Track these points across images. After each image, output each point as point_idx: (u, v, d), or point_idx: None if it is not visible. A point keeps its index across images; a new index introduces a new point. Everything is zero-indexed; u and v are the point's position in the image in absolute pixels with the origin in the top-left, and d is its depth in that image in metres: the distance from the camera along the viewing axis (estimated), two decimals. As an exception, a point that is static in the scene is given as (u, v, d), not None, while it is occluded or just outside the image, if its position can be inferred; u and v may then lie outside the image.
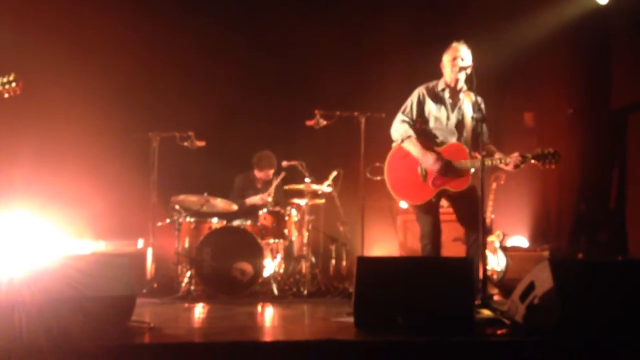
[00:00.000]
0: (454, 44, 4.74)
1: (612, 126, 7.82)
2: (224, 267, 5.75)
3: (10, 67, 4.72)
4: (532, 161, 4.45)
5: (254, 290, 5.90)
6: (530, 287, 3.59)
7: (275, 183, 6.55)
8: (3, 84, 4.64)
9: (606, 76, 7.79)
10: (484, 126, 4.62)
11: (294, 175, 6.56)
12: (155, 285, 6.01)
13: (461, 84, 4.75)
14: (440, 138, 4.76)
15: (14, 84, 4.64)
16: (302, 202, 6.45)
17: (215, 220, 6.19)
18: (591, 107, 7.85)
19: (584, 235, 7.53)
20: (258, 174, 6.94)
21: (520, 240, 7.41)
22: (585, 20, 7.41)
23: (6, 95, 4.67)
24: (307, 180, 6.30)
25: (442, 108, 4.78)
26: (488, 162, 4.52)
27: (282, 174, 6.53)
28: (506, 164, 4.50)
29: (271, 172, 6.86)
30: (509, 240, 6.94)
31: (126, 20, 7.01)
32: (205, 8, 7.51)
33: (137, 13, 7.01)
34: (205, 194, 6.15)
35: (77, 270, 3.51)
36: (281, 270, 6.27)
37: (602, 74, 7.81)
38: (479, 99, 4.64)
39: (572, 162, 7.69)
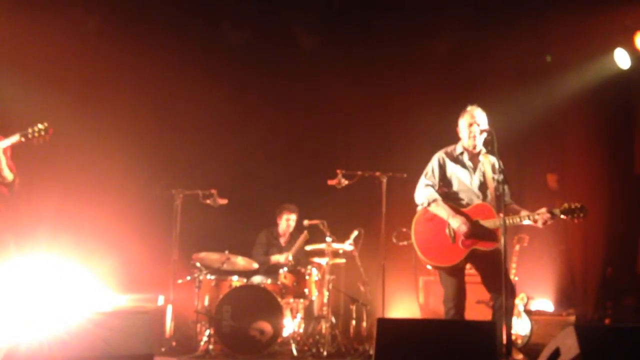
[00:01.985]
0: (469, 108, 4.78)
1: (636, 190, 7.75)
2: (243, 326, 5.69)
3: (36, 120, 4.86)
4: (562, 217, 4.41)
5: (273, 350, 5.82)
6: (556, 353, 3.50)
7: (299, 242, 6.56)
8: (34, 132, 4.78)
9: (629, 139, 7.78)
10: (506, 187, 4.61)
11: (315, 235, 6.56)
12: (174, 343, 5.96)
13: (479, 147, 4.78)
14: (465, 200, 4.75)
15: (43, 132, 4.77)
16: (323, 261, 6.42)
17: (235, 278, 6.17)
18: (615, 170, 7.81)
19: (611, 300, 7.36)
20: (280, 222, 6.98)
21: (545, 304, 7.25)
22: (607, 83, 7.46)
23: (35, 143, 4.79)
24: (328, 239, 6.29)
25: (464, 170, 4.79)
26: (516, 219, 4.50)
27: (305, 233, 6.54)
28: (534, 221, 4.47)
29: (292, 217, 6.89)
30: (533, 304, 6.80)
31: (153, 77, 7.21)
32: (231, 65, 7.70)
33: (163, 70, 7.20)
34: (226, 252, 6.16)
35: (98, 329, 3.52)
36: (301, 330, 6.19)
37: (625, 137, 7.81)
38: (497, 162, 4.66)
39: (597, 225, 7.59)
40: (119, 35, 7.12)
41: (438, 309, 6.05)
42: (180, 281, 6.16)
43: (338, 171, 5.93)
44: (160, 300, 6.23)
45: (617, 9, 6.75)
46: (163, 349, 5.74)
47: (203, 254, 6.16)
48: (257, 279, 6.48)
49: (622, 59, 7.23)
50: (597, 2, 6.74)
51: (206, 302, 6.03)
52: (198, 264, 6.11)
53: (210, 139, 7.54)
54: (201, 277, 6.06)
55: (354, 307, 6.81)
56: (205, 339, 5.73)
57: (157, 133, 7.38)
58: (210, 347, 5.68)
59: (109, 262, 6.46)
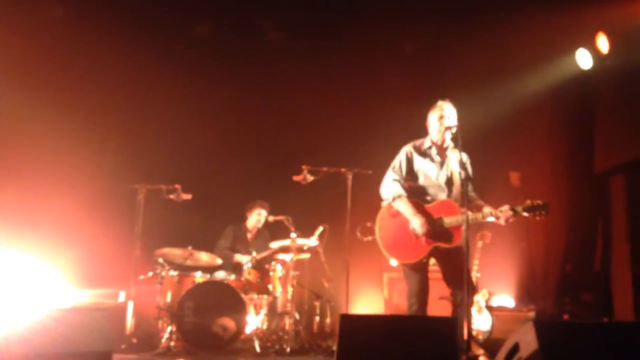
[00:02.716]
0: (440, 103, 4.81)
1: (596, 189, 7.92)
2: (205, 323, 5.64)
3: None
4: (524, 214, 4.46)
5: (236, 347, 5.78)
6: (515, 348, 3.53)
7: (267, 252, 6.51)
8: None
9: (590, 139, 7.94)
10: (471, 183, 4.65)
11: (280, 230, 6.54)
12: (134, 340, 5.87)
13: (447, 142, 4.80)
14: (431, 195, 4.77)
15: None
16: (287, 257, 6.40)
17: (198, 274, 6.12)
18: (576, 169, 7.96)
19: (569, 296, 7.51)
20: (250, 217, 6.96)
21: (506, 300, 7.36)
22: (569, 83, 7.59)
23: None
24: (292, 235, 6.27)
25: (431, 165, 4.81)
26: (479, 216, 4.53)
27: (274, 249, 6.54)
28: (497, 218, 4.51)
29: (263, 213, 6.88)
30: (494, 300, 6.90)
31: (117, 70, 7.09)
32: (197, 59, 7.62)
33: (127, 64, 7.08)
34: (190, 248, 6.10)
35: (57, 325, 3.45)
36: (264, 327, 6.16)
37: (586, 136, 7.97)
38: (465, 156, 4.70)
39: (557, 222, 7.75)
40: (84, 27, 6.98)
41: (402, 305, 6.10)
42: (142, 277, 6.06)
43: (303, 167, 5.90)
44: (121, 297, 6.14)
45: (580, 10, 6.86)
46: (123, 346, 5.65)
47: (166, 250, 6.09)
48: (220, 275, 6.43)
49: (584, 59, 7.36)
50: (561, 3, 6.85)
51: (168, 299, 5.96)
52: (160, 260, 6.04)
53: (175, 133, 7.45)
54: (163, 273, 5.98)
55: (318, 303, 6.82)
56: (166, 335, 5.67)
57: (120, 127, 7.26)
58: (172, 344, 5.62)
59: (70, 257, 6.37)
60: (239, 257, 6.66)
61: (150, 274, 6.04)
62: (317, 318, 6.84)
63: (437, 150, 4.84)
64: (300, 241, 6.30)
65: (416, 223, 4.58)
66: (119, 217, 6.68)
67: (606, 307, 7.35)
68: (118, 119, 7.22)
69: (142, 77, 7.22)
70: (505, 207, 4.50)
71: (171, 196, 6.24)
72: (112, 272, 6.46)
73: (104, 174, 6.87)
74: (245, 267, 6.23)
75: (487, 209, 4.60)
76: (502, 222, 4.51)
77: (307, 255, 6.64)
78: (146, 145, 7.28)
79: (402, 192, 4.72)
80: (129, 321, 5.99)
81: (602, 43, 7.07)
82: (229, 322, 5.68)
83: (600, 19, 7.00)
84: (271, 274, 6.23)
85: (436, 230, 4.57)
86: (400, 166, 4.82)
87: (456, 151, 4.72)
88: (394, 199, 4.73)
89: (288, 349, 5.84)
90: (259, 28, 7.92)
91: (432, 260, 4.88)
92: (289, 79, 7.70)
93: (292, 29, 7.96)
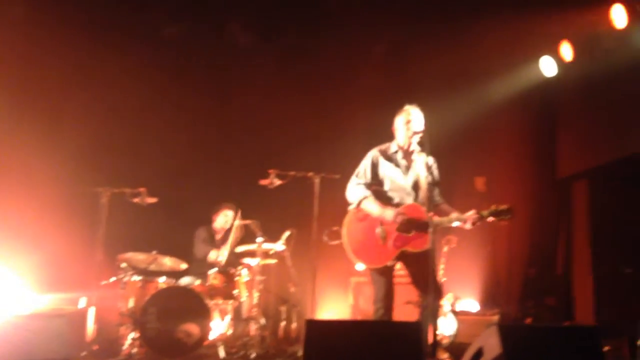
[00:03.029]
0: (407, 107, 4.83)
1: (559, 194, 8.06)
2: (169, 329, 5.55)
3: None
4: (489, 218, 4.50)
5: (200, 353, 5.71)
6: (479, 352, 3.57)
7: (235, 235, 6.45)
8: None
9: (553, 145, 8.08)
10: (437, 187, 4.68)
11: (247, 235, 6.48)
12: (95, 347, 5.74)
13: (414, 146, 4.82)
14: (397, 199, 4.77)
15: None
16: (253, 262, 6.35)
17: (162, 279, 6.03)
18: (539, 175, 8.09)
19: (533, 300, 7.62)
20: (217, 219, 6.89)
21: (471, 304, 7.42)
22: (533, 90, 7.71)
23: None
24: (259, 239, 6.22)
25: (397, 170, 4.82)
26: (445, 220, 4.55)
27: (239, 225, 6.46)
28: (463, 222, 4.54)
29: (230, 214, 6.80)
30: (459, 304, 6.95)
31: (79, 71, 6.98)
32: (163, 60, 7.54)
33: (89, 64, 6.98)
34: (154, 252, 6.00)
35: (17, 331, 3.37)
36: (229, 332, 6.10)
37: (549, 143, 8.11)
38: (431, 161, 4.73)
39: (521, 227, 7.86)
40: (44, 26, 6.83)
41: (368, 310, 6.09)
42: (104, 282, 5.95)
43: (270, 171, 5.87)
44: (82, 302, 6.00)
45: (545, 18, 6.97)
46: (84, 353, 5.50)
47: (129, 254, 5.99)
48: (185, 280, 6.35)
49: (548, 66, 7.48)
50: (526, 11, 6.94)
51: (131, 304, 5.86)
52: (124, 265, 5.94)
53: (140, 136, 7.34)
54: (126, 278, 5.89)
55: (284, 308, 6.79)
56: (129, 342, 5.56)
57: (83, 128, 7.11)
58: (134, 350, 5.52)
59: (30, 262, 6.21)
60: (214, 254, 6.58)
61: (113, 279, 5.94)
62: (283, 323, 6.80)
63: (403, 154, 4.85)
64: (267, 246, 6.26)
65: (390, 214, 4.58)
66: (81, 220, 6.55)
67: (568, 310, 7.48)
68: (81, 120, 7.08)
69: (106, 77, 7.11)
70: (471, 212, 4.54)
71: (136, 200, 6.13)
72: (73, 277, 6.32)
73: (66, 176, 6.72)
74: (210, 272, 6.15)
75: (454, 214, 4.63)
76: (467, 226, 4.54)
77: (273, 260, 6.60)
78: (110, 148, 7.16)
79: (367, 193, 4.73)
80: (90, 327, 5.85)
81: (566, 51, 7.21)
82: (193, 328, 5.61)
83: (564, 27, 7.13)
84: (237, 278, 6.17)
85: (408, 226, 4.57)
86: (365, 172, 4.82)
87: (422, 155, 4.74)
88: (360, 202, 4.73)
89: (253, 355, 5.79)
90: (228, 31, 7.87)
91: (398, 265, 4.89)
92: (257, 83, 7.68)
93: (260, 33, 7.93)
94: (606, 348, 5.17)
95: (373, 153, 4.88)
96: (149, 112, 7.37)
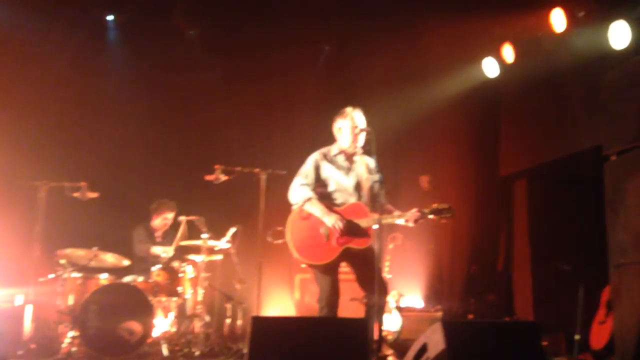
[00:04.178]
0: (349, 111, 4.82)
1: (501, 193, 8.26)
2: (110, 327, 5.41)
3: None
4: (430, 216, 4.57)
5: (143, 351, 5.59)
6: (423, 349, 3.61)
7: (181, 233, 6.35)
8: None
9: (495, 145, 8.28)
10: (380, 187, 4.71)
11: (191, 231, 6.39)
12: (33, 346, 5.56)
13: (356, 148, 4.84)
14: (341, 200, 4.79)
15: None
16: (198, 258, 6.26)
17: (104, 276, 5.87)
18: (482, 174, 8.27)
19: (474, 296, 7.79)
20: (156, 220, 6.73)
21: (415, 300, 7.53)
22: (476, 90, 7.88)
23: None
24: (204, 236, 6.14)
25: (339, 171, 4.84)
26: (389, 219, 4.59)
27: (185, 226, 6.36)
28: (406, 220, 4.59)
29: (170, 216, 6.67)
30: (404, 300, 7.04)
31: (17, 62, 6.74)
32: (105, 52, 7.38)
33: (29, 55, 6.75)
34: (95, 248, 5.84)
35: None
36: (173, 330, 6.00)
37: (492, 142, 8.30)
38: (373, 161, 4.76)
39: (463, 224, 8.02)
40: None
41: (313, 306, 6.09)
42: (42, 279, 5.76)
43: (216, 166, 5.81)
44: (19, 299, 5.80)
45: (488, 20, 7.13)
46: (20, 352, 5.33)
47: (69, 250, 5.81)
48: (128, 278, 6.21)
49: (490, 67, 7.65)
50: (470, 14, 7.08)
51: (71, 302, 5.67)
52: (63, 261, 5.76)
53: (80, 128, 7.15)
54: (66, 275, 5.71)
55: (229, 306, 6.72)
56: (68, 340, 5.40)
57: (20, 120, 6.86)
58: (74, 349, 5.36)
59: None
60: (156, 250, 6.46)
61: (51, 275, 5.75)
62: (228, 320, 6.73)
63: (345, 156, 4.87)
64: (212, 242, 6.18)
65: (331, 220, 4.59)
66: (18, 215, 6.35)
67: (508, 306, 7.68)
68: (17, 111, 6.82)
69: (46, 68, 6.88)
70: (414, 210, 4.60)
71: (76, 194, 5.95)
72: (9, 273, 6.13)
73: (1, 169, 6.47)
74: (153, 268, 6.04)
75: (396, 212, 4.69)
76: (411, 224, 4.60)
77: (219, 257, 6.53)
78: (49, 140, 6.94)
79: (311, 194, 4.73)
80: (27, 326, 5.66)
81: (508, 53, 7.38)
82: (135, 326, 5.49)
83: (506, 29, 7.30)
84: (181, 275, 6.08)
85: (349, 229, 4.60)
86: (307, 174, 4.82)
87: (364, 157, 4.79)
88: (304, 203, 4.72)
89: (197, 353, 5.72)
90: (171, 25, 7.74)
91: (343, 263, 4.91)
92: (204, 78, 7.58)
93: (205, 27, 7.85)
94: (544, 343, 5.33)
95: (315, 156, 4.88)
96: (90, 105, 7.19)
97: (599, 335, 5.42)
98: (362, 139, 4.78)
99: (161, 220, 6.74)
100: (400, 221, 4.63)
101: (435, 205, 4.60)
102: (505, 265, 8.08)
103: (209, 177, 5.82)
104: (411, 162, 8.35)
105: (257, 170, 5.68)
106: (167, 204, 6.74)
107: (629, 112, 4.70)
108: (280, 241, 5.19)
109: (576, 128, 6.65)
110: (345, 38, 7.99)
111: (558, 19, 6.46)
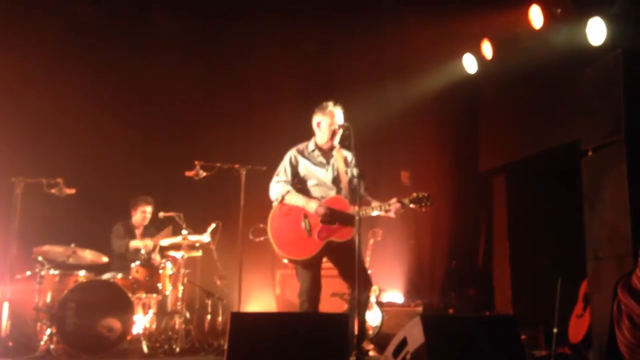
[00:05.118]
0: (330, 107, 4.82)
1: (480, 188, 8.32)
2: (89, 324, 5.37)
3: None
4: (411, 205, 4.59)
5: (122, 348, 5.56)
6: (403, 343, 3.63)
7: (164, 233, 6.32)
8: None
9: (475, 140, 8.33)
10: (359, 180, 4.71)
11: (171, 227, 6.36)
12: (10, 343, 5.51)
13: (334, 143, 4.85)
14: (320, 194, 4.79)
15: None
16: (178, 254, 6.23)
17: (82, 273, 5.82)
18: (462, 169, 8.32)
19: (455, 291, 7.84)
20: (135, 216, 6.70)
21: (396, 296, 7.56)
22: (456, 86, 7.91)
23: None
24: (184, 232, 6.11)
25: (317, 167, 4.84)
26: (369, 210, 4.60)
27: (169, 228, 6.34)
28: (386, 211, 4.60)
29: (148, 209, 6.65)
30: (384, 296, 7.06)
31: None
32: (83, 47, 7.29)
33: (3, 51, 6.63)
34: (73, 245, 5.79)
35: None
36: (153, 327, 5.96)
37: (471, 137, 8.35)
38: (350, 155, 4.78)
39: (444, 219, 8.07)
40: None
41: (294, 302, 6.09)
42: (19, 276, 5.70)
43: (196, 162, 5.78)
44: (-5, 297, 5.73)
45: (467, 17, 7.16)
46: (-3, 350, 5.28)
47: (46, 247, 5.76)
48: (107, 275, 6.16)
49: (470, 63, 7.69)
50: (449, 10, 7.12)
51: (48, 299, 5.63)
52: (40, 258, 5.70)
53: (57, 123, 7.04)
54: (43, 272, 5.65)
55: (209, 302, 6.68)
56: (45, 338, 5.35)
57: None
58: (52, 346, 5.32)
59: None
60: (135, 243, 6.40)
61: (29, 273, 5.69)
62: (209, 317, 6.70)
63: (322, 152, 4.88)
64: (192, 238, 6.15)
65: (313, 206, 4.60)
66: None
67: (489, 301, 7.75)
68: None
69: (21, 64, 6.77)
70: (393, 200, 4.62)
71: (53, 190, 5.88)
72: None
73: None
74: (133, 265, 6.00)
75: (375, 203, 4.70)
76: (392, 214, 4.62)
77: (199, 253, 6.50)
78: (25, 136, 6.83)
79: (289, 188, 4.74)
80: (4, 323, 5.60)
81: (487, 49, 7.42)
82: (114, 323, 5.45)
83: (485, 26, 7.34)
84: (161, 272, 6.04)
85: (332, 219, 4.59)
86: (285, 172, 4.82)
87: (342, 151, 4.80)
88: (283, 197, 4.73)
89: (177, 349, 5.70)
90: (151, 17, 7.68)
91: (325, 258, 4.91)
92: (184, 75, 7.53)
93: (184, 20, 7.79)
94: (523, 337, 5.38)
95: (291, 154, 4.88)
96: (67, 100, 7.08)
97: (577, 328, 5.48)
98: (339, 136, 4.79)
99: (140, 214, 6.71)
100: (380, 212, 4.64)
101: (414, 195, 4.64)
102: (485, 260, 8.14)
103: (189, 173, 5.80)
104: (391, 157, 8.37)
105: (237, 166, 5.67)
106: (144, 198, 6.72)
107: (605, 107, 4.75)
108: (261, 239, 5.18)
109: (554, 123, 6.70)
110: (325, 34, 7.98)
111: (536, 16, 6.51)
